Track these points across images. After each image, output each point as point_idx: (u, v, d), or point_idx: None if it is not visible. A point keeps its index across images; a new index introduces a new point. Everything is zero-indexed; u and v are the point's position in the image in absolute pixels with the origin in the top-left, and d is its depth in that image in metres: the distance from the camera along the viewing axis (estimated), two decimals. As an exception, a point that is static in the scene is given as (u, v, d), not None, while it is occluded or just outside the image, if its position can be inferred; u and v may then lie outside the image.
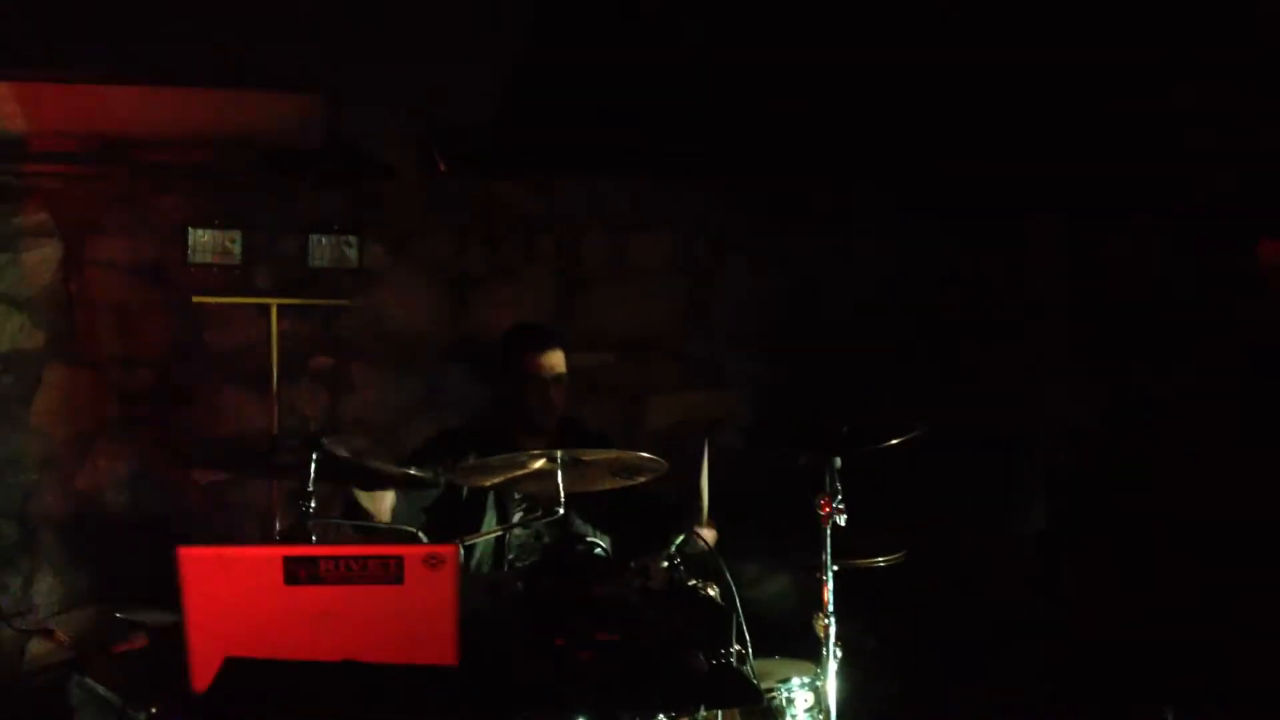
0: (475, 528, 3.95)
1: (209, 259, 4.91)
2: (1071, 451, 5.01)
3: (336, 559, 2.66)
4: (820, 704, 3.76)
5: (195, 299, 4.90)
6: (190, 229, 4.90)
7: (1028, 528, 5.13)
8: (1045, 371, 5.23)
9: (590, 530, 4.01)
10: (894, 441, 3.74)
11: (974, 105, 4.82)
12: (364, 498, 3.79)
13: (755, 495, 4.92)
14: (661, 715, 2.93)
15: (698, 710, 2.83)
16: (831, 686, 3.73)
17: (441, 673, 2.68)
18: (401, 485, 3.84)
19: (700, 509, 3.67)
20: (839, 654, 3.74)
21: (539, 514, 3.61)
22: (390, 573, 2.66)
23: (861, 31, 4.56)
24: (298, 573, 2.65)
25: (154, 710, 3.63)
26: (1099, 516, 4.82)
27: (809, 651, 3.86)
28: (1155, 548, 4.56)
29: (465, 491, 4.01)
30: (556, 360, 4.16)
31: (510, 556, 3.97)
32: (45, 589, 4.91)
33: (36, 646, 4.83)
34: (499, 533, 3.97)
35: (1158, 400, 4.65)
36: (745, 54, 4.69)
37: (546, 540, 3.91)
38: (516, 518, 3.96)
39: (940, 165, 5.12)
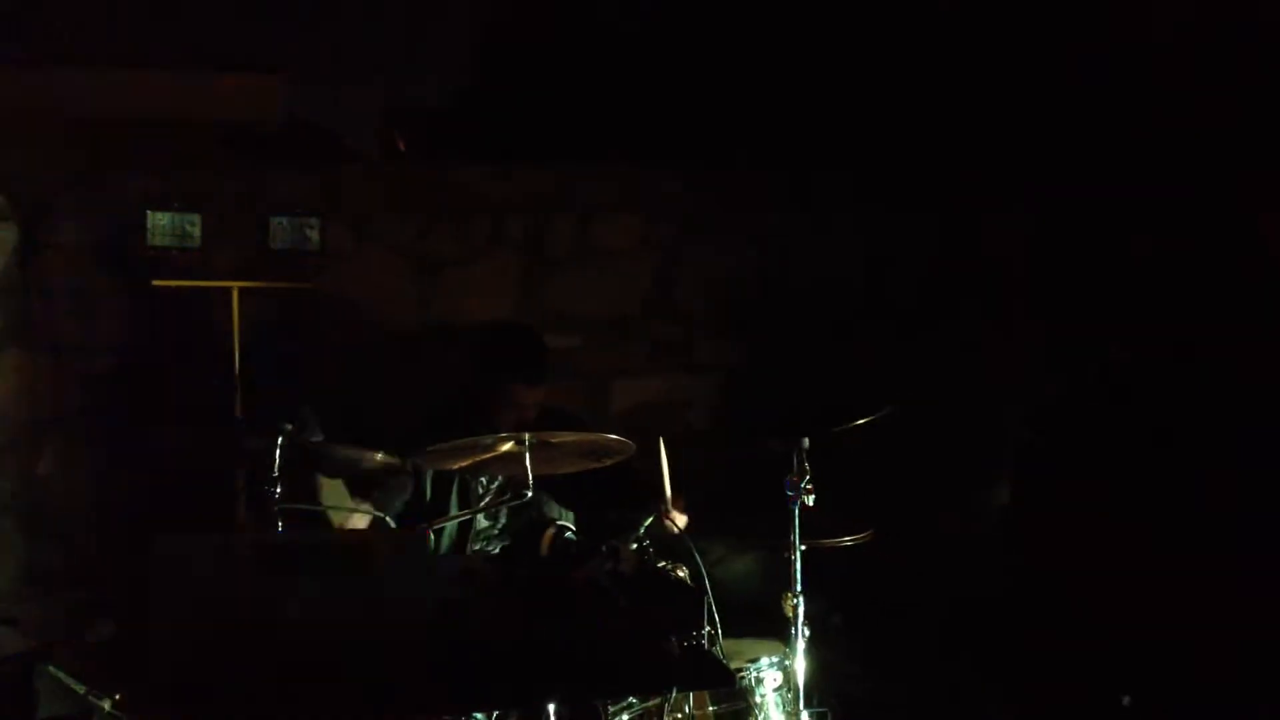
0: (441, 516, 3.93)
1: (168, 242, 4.84)
2: (1036, 429, 5.04)
3: (305, 545, 2.64)
4: (789, 682, 3.79)
5: (155, 282, 4.83)
6: (149, 212, 4.81)
7: (992, 506, 5.17)
8: (1010, 349, 5.27)
9: (557, 511, 4.01)
10: (861, 422, 3.76)
11: (933, 86, 4.84)
12: (337, 519, 3.77)
13: (723, 476, 4.96)
14: (633, 697, 2.93)
15: (670, 692, 2.83)
16: (800, 665, 3.76)
17: (413, 660, 2.67)
18: (365, 468, 3.81)
19: (664, 500, 3.66)
20: (806, 633, 3.76)
21: (508, 496, 3.60)
22: (359, 560, 2.64)
23: (823, 18, 4.58)
24: (266, 560, 2.63)
25: (118, 697, 3.60)
26: (1062, 495, 4.86)
27: (775, 630, 3.89)
28: (1118, 527, 4.59)
29: (429, 487, 4.00)
30: (540, 394, 4.10)
31: (475, 547, 3.96)
32: (6, 575, 4.86)
33: (0, 635, 4.79)
34: (465, 516, 3.95)
35: (1124, 376, 4.68)
36: (710, 38, 4.70)
37: (506, 524, 3.90)
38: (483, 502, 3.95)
39: (902, 145, 5.14)
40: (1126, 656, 4.45)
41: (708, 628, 3.21)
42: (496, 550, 3.91)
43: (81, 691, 3.67)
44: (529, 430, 3.71)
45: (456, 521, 3.94)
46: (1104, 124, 4.70)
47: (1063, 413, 4.88)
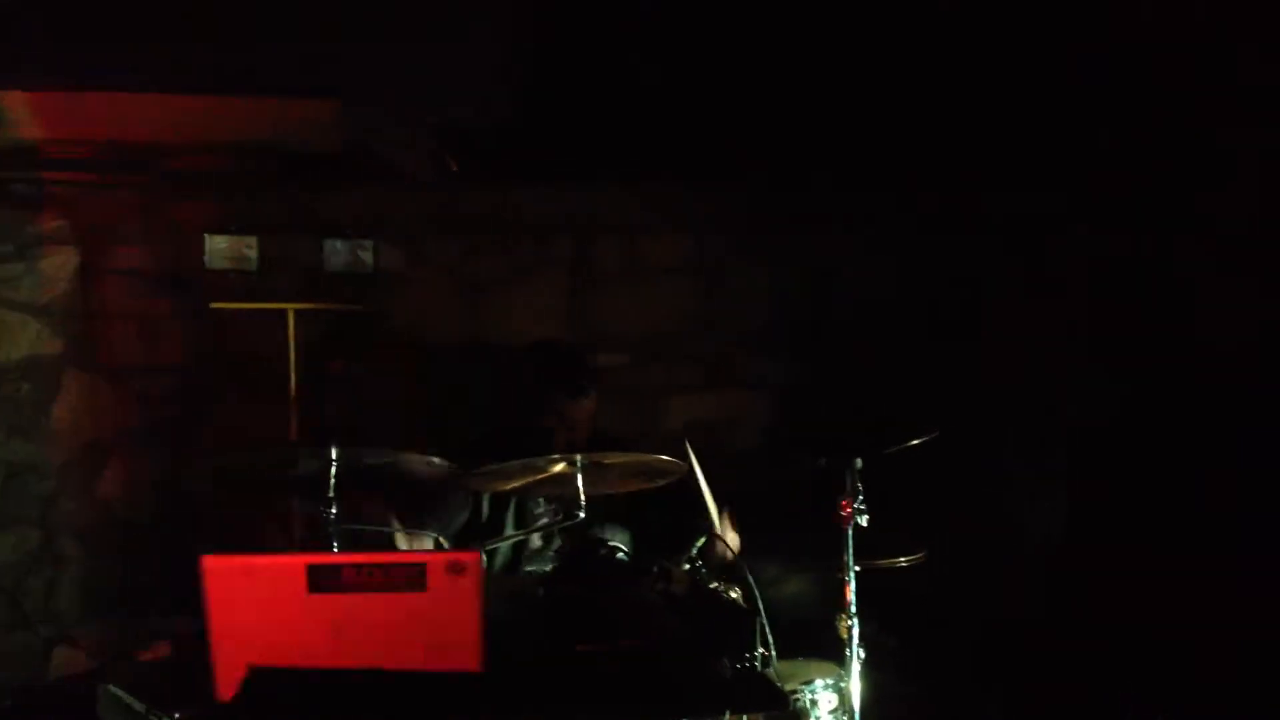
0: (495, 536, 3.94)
1: (226, 265, 4.92)
2: (1092, 450, 4.98)
3: (359, 566, 2.66)
4: (844, 705, 3.76)
5: (213, 305, 4.91)
6: (207, 235, 4.91)
7: (1047, 527, 5.12)
8: (1065, 368, 5.21)
9: (610, 532, 4.01)
10: (915, 442, 3.74)
11: (988, 101, 4.81)
12: (401, 540, 3.78)
13: (773, 495, 4.94)
14: (685, 720, 2.92)
15: (723, 715, 2.82)
16: (855, 688, 3.73)
17: (464, 680, 2.68)
18: (422, 489, 3.83)
19: (709, 511, 3.66)
20: (862, 654, 3.74)
21: (559, 518, 3.61)
22: (413, 580, 2.66)
23: (872, 33, 4.57)
24: (321, 581, 2.65)
25: (178, 716, 3.63)
26: (1118, 516, 4.80)
27: (829, 651, 3.87)
28: (1172, 547, 4.53)
29: (486, 510, 4.01)
30: (589, 403, 4.11)
31: (529, 568, 3.97)
32: (67, 595, 4.94)
33: (61, 654, 4.86)
34: (518, 537, 3.97)
35: (1181, 397, 4.62)
36: (757, 58, 4.70)
37: (559, 546, 3.91)
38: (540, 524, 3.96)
39: (954, 164, 5.11)
40: (1166, 677, 4.38)
41: (761, 649, 3.19)
42: (547, 570, 3.92)
43: (141, 710, 3.71)
44: (581, 447, 3.76)
45: (511, 542, 3.95)
46: (1168, 138, 4.65)
47: (1121, 435, 4.82)
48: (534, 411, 4.07)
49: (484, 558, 3.00)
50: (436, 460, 3.50)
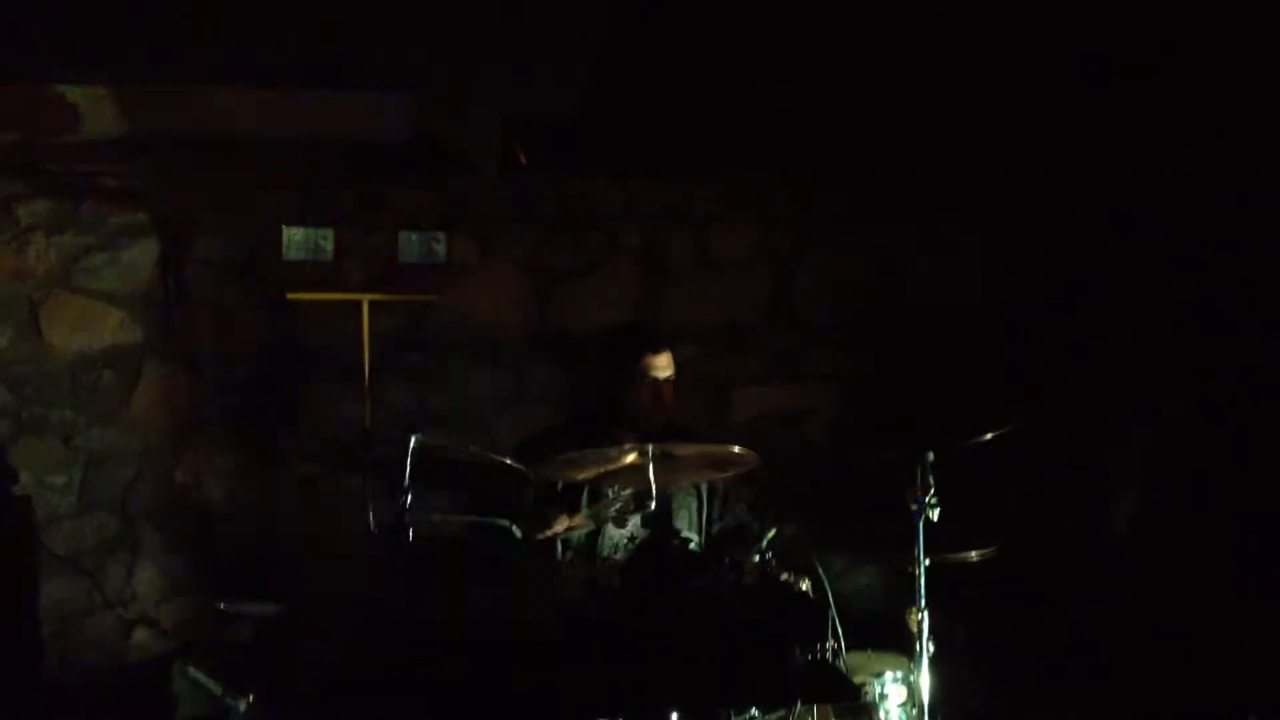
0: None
1: (302, 256, 4.98)
2: (1166, 442, 4.91)
3: (440, 555, 2.69)
4: (913, 698, 3.75)
5: (289, 295, 4.98)
6: (284, 227, 4.98)
7: (1119, 521, 5.05)
8: (1138, 359, 5.15)
9: (685, 527, 4.02)
10: (989, 436, 3.71)
11: (1065, 88, 4.75)
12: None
13: (843, 488, 4.93)
14: (756, 709, 2.93)
15: (794, 706, 2.83)
16: (924, 681, 3.72)
17: (538, 664, 2.71)
18: (494, 479, 3.85)
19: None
20: (931, 648, 3.73)
21: (631, 508, 3.62)
22: (491, 569, 2.69)
23: (940, 25, 4.53)
24: (400, 567, 2.69)
25: (252, 698, 3.70)
26: (1193, 509, 4.73)
27: (897, 644, 3.86)
28: (1249, 542, 4.46)
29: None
30: (668, 360, 4.10)
31: (604, 554, 3.98)
32: (146, 579, 5.03)
33: (141, 635, 4.96)
34: (587, 527, 3.97)
35: (1258, 387, 4.54)
36: (825, 47, 4.67)
37: (639, 538, 3.92)
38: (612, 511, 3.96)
39: (1027, 153, 5.06)
40: (1252, 675, 4.31)
41: (831, 641, 3.19)
42: (621, 559, 3.93)
43: (219, 692, 3.78)
44: (661, 423, 3.77)
45: (585, 530, 3.96)
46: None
47: (1192, 430, 4.75)
48: (618, 381, 4.06)
49: (559, 546, 3.02)
50: (510, 462, 3.52)
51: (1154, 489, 4.95)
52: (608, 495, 3.82)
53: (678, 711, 2.71)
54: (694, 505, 4.05)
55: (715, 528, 4.03)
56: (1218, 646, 4.44)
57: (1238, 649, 4.36)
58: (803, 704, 2.89)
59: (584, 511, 3.80)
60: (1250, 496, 4.46)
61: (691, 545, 3.29)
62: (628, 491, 3.54)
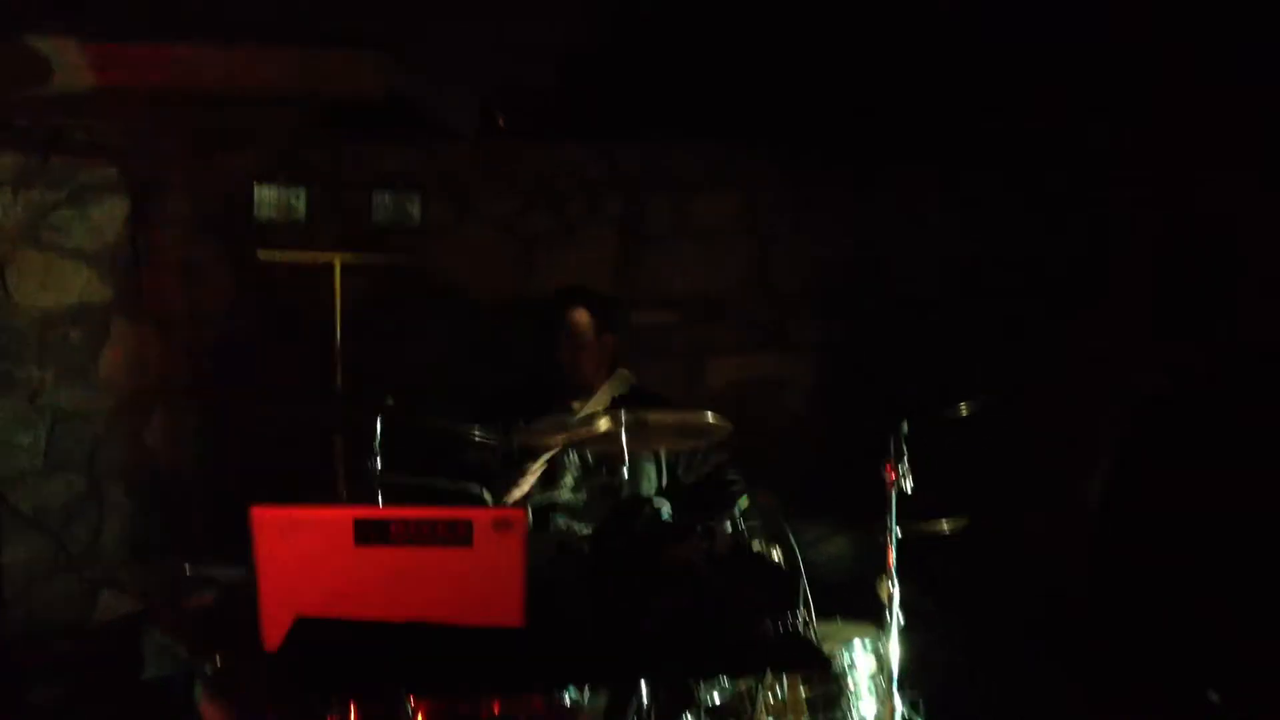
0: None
1: (274, 215, 4.91)
2: (1141, 419, 4.92)
3: (406, 521, 2.67)
4: (883, 667, 3.76)
5: (260, 255, 4.91)
6: (256, 185, 4.90)
7: (1088, 498, 5.07)
8: (1114, 335, 5.15)
9: (649, 489, 4.01)
10: (963, 408, 3.71)
11: (1049, 58, 4.72)
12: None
13: (816, 456, 4.92)
14: (725, 678, 2.92)
15: (764, 674, 2.82)
16: (894, 650, 3.72)
17: (508, 636, 2.69)
18: (465, 444, 3.84)
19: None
20: (901, 619, 3.73)
21: (600, 475, 3.62)
22: (459, 535, 2.66)
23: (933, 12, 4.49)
24: (368, 534, 2.67)
25: (219, 661, 3.67)
26: (1165, 486, 4.74)
27: (867, 613, 3.86)
28: (1222, 521, 4.47)
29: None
30: (584, 317, 4.24)
31: (558, 520, 3.97)
32: (113, 540, 4.99)
33: (106, 598, 4.93)
34: (530, 488, 3.95)
35: (1232, 366, 4.55)
36: (812, 15, 4.63)
37: (588, 499, 3.92)
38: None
39: (1013, 126, 5.02)
40: (1214, 652, 4.33)
41: (802, 611, 3.19)
42: (580, 528, 3.92)
43: (185, 656, 3.76)
44: (589, 372, 3.84)
45: (571, 482, 3.96)
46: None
47: (1165, 411, 4.75)
48: (545, 336, 4.22)
49: (529, 514, 3.02)
50: (479, 435, 3.51)
51: (1125, 465, 4.96)
52: (567, 457, 3.82)
53: (646, 680, 2.70)
54: (653, 472, 4.06)
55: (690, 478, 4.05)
56: (1182, 623, 4.46)
57: (1201, 626, 4.38)
58: (773, 673, 2.88)
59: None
60: (1220, 475, 4.47)
61: (663, 514, 3.28)
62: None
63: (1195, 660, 4.34)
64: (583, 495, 4.02)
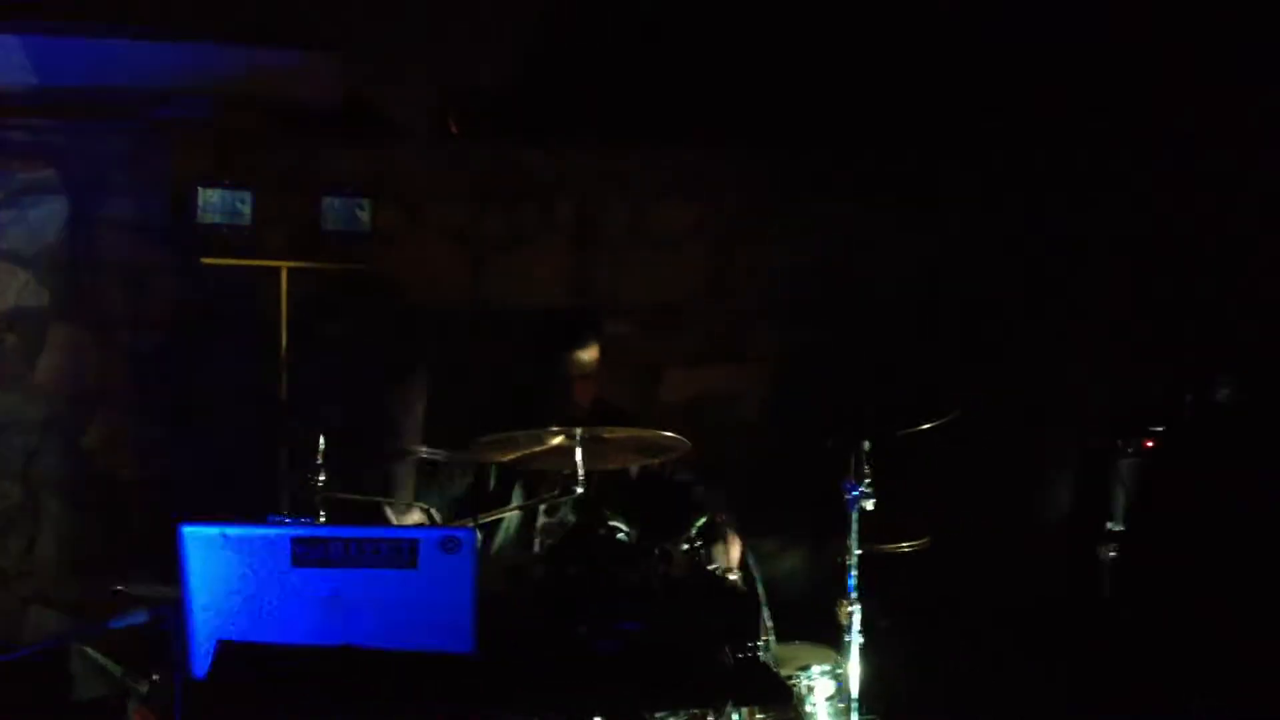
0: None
1: (218, 219, 4.78)
2: (1104, 435, 4.89)
3: (347, 540, 2.55)
4: (841, 692, 3.68)
5: (204, 260, 4.78)
6: (200, 188, 4.77)
7: (1053, 515, 5.03)
8: (1077, 354, 5.13)
9: (617, 518, 3.90)
10: (927, 426, 3.65)
11: (1027, 66, 4.69)
12: (392, 516, 3.67)
13: (775, 471, 4.84)
14: (684, 712, 2.82)
15: (724, 707, 2.72)
16: (854, 673, 3.64)
17: (452, 660, 2.57)
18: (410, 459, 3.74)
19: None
20: (861, 640, 3.65)
21: (556, 493, 3.51)
22: (404, 557, 2.55)
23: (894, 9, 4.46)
24: (306, 554, 2.54)
25: (155, 679, 3.55)
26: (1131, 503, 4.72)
27: (821, 631, 3.78)
28: (1186, 536, 4.45)
29: (494, 480, 3.91)
30: (592, 356, 3.97)
31: (540, 540, 3.86)
32: (47, 553, 4.85)
33: (37, 614, 4.78)
34: (508, 512, 3.84)
35: (1198, 383, 4.53)
36: (769, 20, 4.60)
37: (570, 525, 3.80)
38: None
39: (980, 135, 4.99)
40: (1195, 664, 4.31)
41: (763, 636, 3.10)
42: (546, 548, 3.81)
43: (117, 673, 3.63)
44: (586, 409, 3.67)
45: (517, 516, 3.83)
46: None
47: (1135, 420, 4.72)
48: (547, 372, 3.96)
49: (478, 533, 2.90)
50: (426, 452, 3.41)
51: (1091, 483, 4.93)
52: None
53: (599, 714, 2.59)
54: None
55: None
56: (1159, 635, 4.43)
57: (1180, 638, 4.35)
58: (734, 706, 2.78)
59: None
60: (1189, 489, 4.45)
61: (620, 535, 3.17)
62: None
63: (1176, 675, 4.31)
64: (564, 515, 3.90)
